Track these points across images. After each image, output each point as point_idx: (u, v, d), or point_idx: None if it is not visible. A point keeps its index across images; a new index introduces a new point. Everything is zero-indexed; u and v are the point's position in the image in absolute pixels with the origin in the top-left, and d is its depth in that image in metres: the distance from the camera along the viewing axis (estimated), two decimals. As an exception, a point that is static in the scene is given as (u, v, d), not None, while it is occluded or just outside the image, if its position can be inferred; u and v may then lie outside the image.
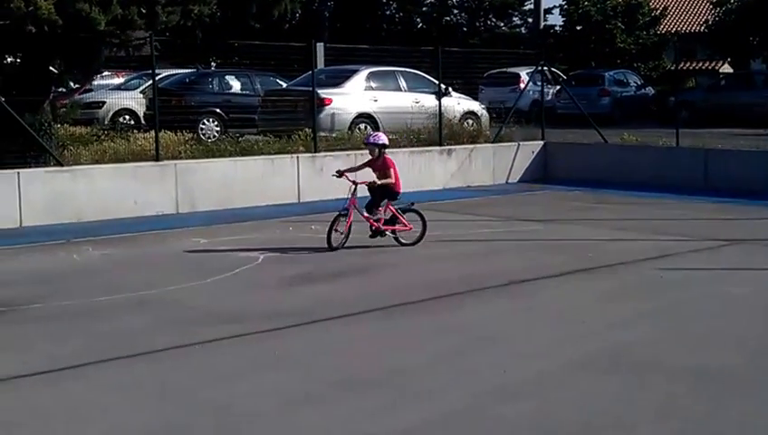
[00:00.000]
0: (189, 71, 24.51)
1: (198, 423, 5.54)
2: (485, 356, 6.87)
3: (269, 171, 15.69)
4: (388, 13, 48.41)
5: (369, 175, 11.33)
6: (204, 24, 19.53)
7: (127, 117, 21.77)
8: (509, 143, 18.82)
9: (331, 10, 45.45)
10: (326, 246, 10.85)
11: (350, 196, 10.95)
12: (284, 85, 21.52)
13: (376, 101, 19.41)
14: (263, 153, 16.40)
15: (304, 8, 37.14)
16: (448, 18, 47.45)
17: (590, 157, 18.48)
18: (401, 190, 11.35)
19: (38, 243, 11.76)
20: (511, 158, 18.51)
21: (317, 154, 16.39)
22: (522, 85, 24.29)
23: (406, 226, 11.17)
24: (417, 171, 16.88)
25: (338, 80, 19.66)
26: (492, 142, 18.85)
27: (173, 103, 19.38)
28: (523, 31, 46.91)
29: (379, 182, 11.10)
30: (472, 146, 18.47)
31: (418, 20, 47.88)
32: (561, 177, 18.00)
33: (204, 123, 20.25)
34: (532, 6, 43.19)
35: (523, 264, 10.27)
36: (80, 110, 20.44)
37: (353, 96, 19.27)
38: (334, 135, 18.00)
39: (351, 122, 18.89)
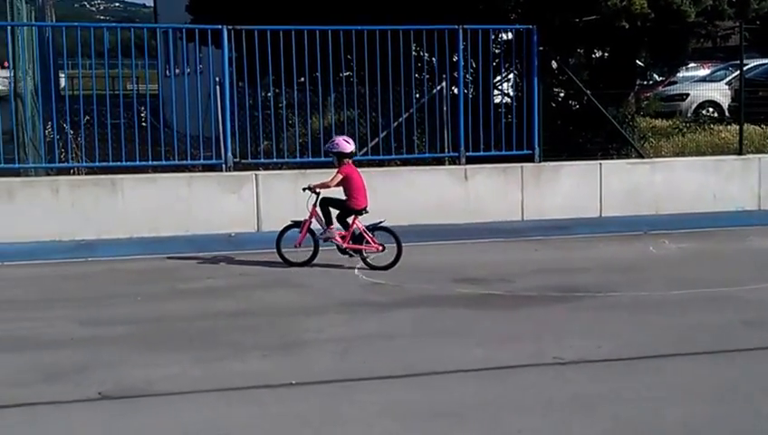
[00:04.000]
0: (779, 60, 23.22)
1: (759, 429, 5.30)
2: None
3: None
4: None
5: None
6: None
7: (710, 109, 21.34)
8: None
9: None
10: None
11: (309, 206, 9.89)
12: None
13: None
14: None
15: None
16: None
17: None
18: (363, 206, 9.91)
19: (616, 233, 12.14)
20: None
21: None
22: None
23: (373, 245, 9.77)
24: None
25: None
26: None
27: (759, 94, 18.53)
28: None
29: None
30: None
31: None
32: None
33: (794, 115, 19.06)
34: None
35: None
36: (662, 102, 20.55)
37: None
38: None
39: None
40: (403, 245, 9.73)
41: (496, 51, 14.40)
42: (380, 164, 13.40)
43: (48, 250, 10.88)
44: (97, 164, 12.23)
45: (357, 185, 9.99)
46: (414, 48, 13.41)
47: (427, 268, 10.05)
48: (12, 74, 12.61)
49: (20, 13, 13.70)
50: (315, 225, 10.05)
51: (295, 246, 9.95)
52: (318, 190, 9.92)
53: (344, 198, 10.03)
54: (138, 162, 12.25)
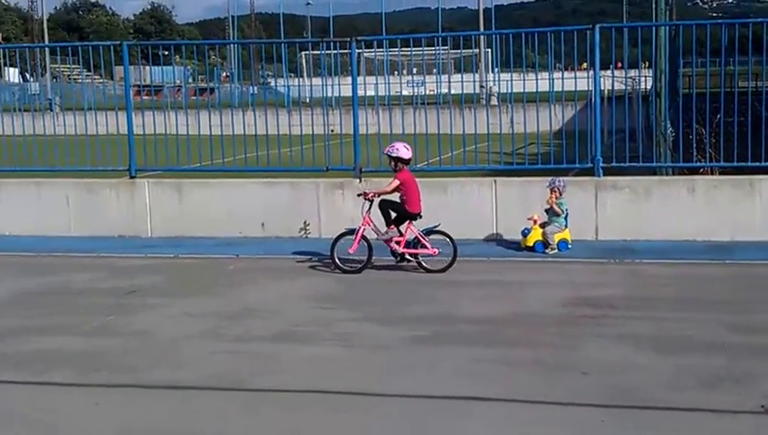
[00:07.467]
0: None
1: None
2: None
3: None
4: None
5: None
6: None
7: None
8: None
9: None
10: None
11: (363, 213, 10.03)
12: None
13: None
14: None
15: None
16: None
17: None
18: (417, 211, 9.98)
19: None
20: None
21: None
22: None
23: (429, 250, 9.80)
24: None
25: None
26: None
27: None
28: None
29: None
30: None
31: None
32: None
33: None
34: None
35: None
36: None
37: None
38: None
39: None
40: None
41: None
42: None
43: (682, 249, 10.78)
44: (734, 164, 11.78)
45: (412, 190, 10.04)
46: None
47: None
48: (654, 73, 12.75)
49: (661, 12, 13.84)
50: (368, 232, 10.03)
51: (349, 252, 10.00)
52: (372, 197, 10.03)
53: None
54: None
